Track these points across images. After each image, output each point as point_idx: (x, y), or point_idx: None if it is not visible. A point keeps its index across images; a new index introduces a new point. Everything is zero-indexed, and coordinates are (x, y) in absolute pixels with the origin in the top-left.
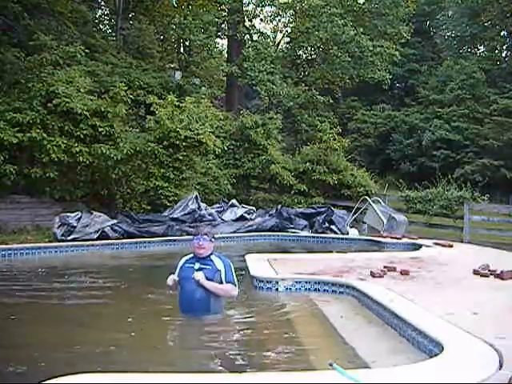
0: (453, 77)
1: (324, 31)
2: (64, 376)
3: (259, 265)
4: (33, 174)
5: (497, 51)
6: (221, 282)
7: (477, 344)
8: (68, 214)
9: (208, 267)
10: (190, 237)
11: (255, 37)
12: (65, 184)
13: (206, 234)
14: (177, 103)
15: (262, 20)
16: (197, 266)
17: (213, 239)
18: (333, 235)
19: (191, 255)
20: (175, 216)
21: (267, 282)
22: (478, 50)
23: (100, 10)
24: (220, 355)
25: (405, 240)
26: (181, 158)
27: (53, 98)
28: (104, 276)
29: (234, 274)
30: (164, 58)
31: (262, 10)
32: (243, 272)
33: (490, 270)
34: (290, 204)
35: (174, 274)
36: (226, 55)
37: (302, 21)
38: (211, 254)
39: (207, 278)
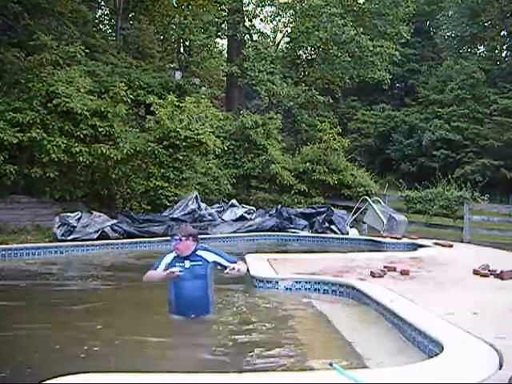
0: (453, 77)
1: (324, 31)
2: (64, 376)
3: (259, 265)
4: (33, 173)
5: (497, 51)
6: (224, 267)
7: (477, 344)
8: (68, 214)
9: (199, 263)
10: None
11: (255, 37)
12: (65, 184)
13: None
14: (177, 103)
15: (262, 20)
16: (187, 264)
17: (190, 237)
18: (333, 235)
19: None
20: (175, 216)
21: (267, 282)
22: (478, 50)
23: (100, 10)
24: (219, 355)
25: (405, 240)
26: (181, 157)
27: (53, 97)
28: (103, 276)
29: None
30: (164, 57)
31: (261, 10)
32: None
33: (489, 270)
34: (290, 204)
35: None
36: (226, 55)
37: (302, 21)
38: (196, 250)
39: (201, 274)
